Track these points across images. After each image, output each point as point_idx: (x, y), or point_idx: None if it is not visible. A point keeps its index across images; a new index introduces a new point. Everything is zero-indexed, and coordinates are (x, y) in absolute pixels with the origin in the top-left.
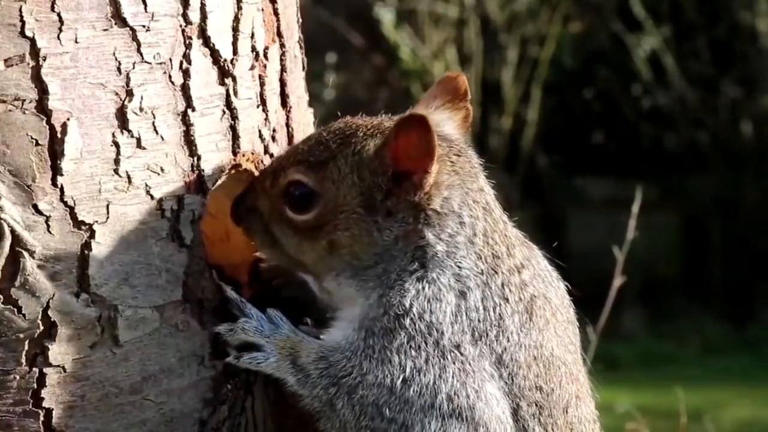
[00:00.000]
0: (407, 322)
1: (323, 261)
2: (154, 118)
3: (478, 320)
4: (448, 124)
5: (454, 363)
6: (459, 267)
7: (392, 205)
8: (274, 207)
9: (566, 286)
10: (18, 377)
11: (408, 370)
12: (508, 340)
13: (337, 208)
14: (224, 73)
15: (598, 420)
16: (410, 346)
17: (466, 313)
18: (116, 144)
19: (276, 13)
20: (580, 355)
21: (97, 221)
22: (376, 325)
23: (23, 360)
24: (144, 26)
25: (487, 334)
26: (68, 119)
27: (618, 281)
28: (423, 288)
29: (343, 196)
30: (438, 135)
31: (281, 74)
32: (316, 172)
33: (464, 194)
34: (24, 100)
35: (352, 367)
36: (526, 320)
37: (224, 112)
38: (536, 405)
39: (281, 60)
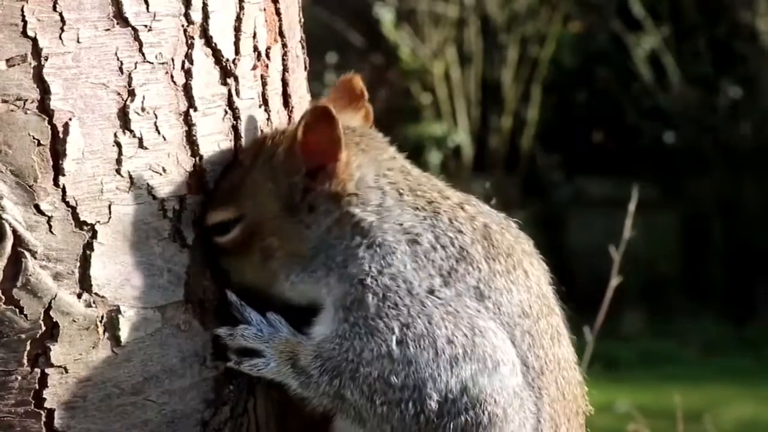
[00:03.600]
0: (369, 281)
1: (264, 271)
2: (156, 118)
3: (441, 259)
4: (352, 121)
5: (436, 308)
6: (400, 224)
7: (312, 200)
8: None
9: (517, 222)
10: (20, 378)
11: (397, 330)
12: (480, 270)
13: (260, 218)
14: (226, 73)
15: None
16: (387, 306)
17: (425, 256)
18: (118, 144)
19: (278, 12)
20: (552, 289)
21: (98, 221)
22: (347, 300)
23: (25, 360)
24: (146, 26)
25: (455, 270)
26: (70, 119)
27: (615, 281)
28: (375, 251)
29: (263, 205)
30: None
31: (283, 74)
32: (233, 196)
33: (377, 167)
34: (26, 100)
35: (346, 352)
36: (489, 246)
37: (226, 112)
38: (529, 335)
39: (283, 60)
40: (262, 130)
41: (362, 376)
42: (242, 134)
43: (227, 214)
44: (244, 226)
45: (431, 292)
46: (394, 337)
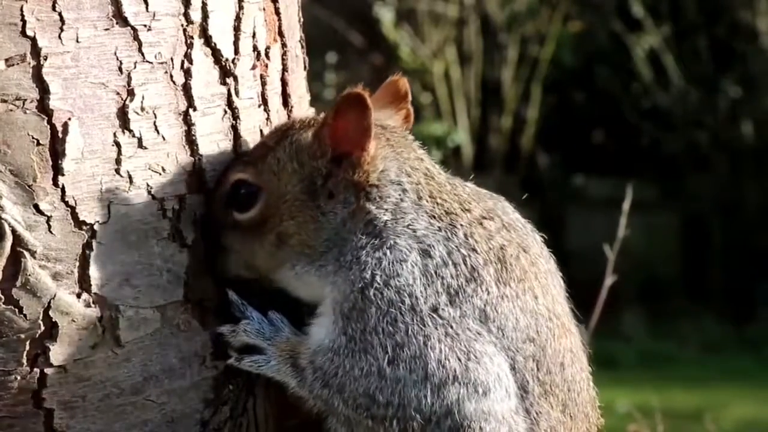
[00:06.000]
0: (372, 292)
1: (275, 257)
2: (156, 117)
3: (451, 276)
4: (390, 120)
5: (436, 329)
6: (413, 230)
7: (333, 187)
8: (222, 217)
9: (542, 237)
10: (19, 378)
11: (390, 349)
12: (488, 293)
13: (279, 198)
14: (226, 73)
15: (591, 378)
16: (386, 322)
17: (436, 272)
18: (117, 144)
19: (277, 12)
20: (570, 308)
21: (98, 221)
22: (345, 307)
23: (24, 360)
24: (145, 26)
25: (464, 290)
26: (69, 119)
27: (610, 280)
28: (384, 254)
29: (284, 185)
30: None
31: (283, 74)
32: (255, 166)
33: (401, 164)
34: (25, 100)
35: (336, 368)
36: (502, 269)
37: (226, 111)
38: (533, 359)
39: (283, 59)
40: (261, 130)
41: (349, 390)
42: (241, 134)
43: (247, 174)
44: (265, 204)
45: (435, 310)
46: (386, 357)
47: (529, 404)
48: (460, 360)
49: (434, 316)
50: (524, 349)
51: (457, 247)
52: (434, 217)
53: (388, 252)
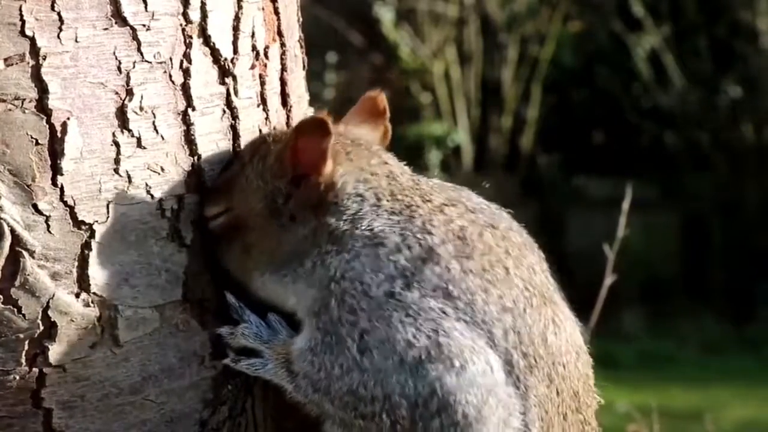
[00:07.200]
0: (332, 286)
1: (243, 263)
2: (155, 117)
3: (405, 260)
4: (367, 137)
5: (396, 311)
6: (371, 229)
7: (293, 206)
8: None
9: (509, 212)
10: (18, 377)
11: (357, 338)
12: (448, 271)
13: (245, 212)
14: (225, 73)
15: (585, 352)
16: (346, 311)
17: (388, 258)
18: (116, 143)
19: (276, 12)
20: (553, 281)
21: (97, 221)
22: (316, 306)
23: (23, 360)
24: (144, 25)
25: (420, 271)
26: (68, 118)
27: (609, 280)
28: (343, 256)
29: (250, 200)
30: (338, 133)
31: (282, 73)
32: (226, 191)
33: (359, 174)
34: (24, 99)
35: (319, 369)
36: (463, 246)
37: (225, 111)
38: (513, 331)
39: (282, 59)
40: (260, 130)
41: (334, 390)
42: (240, 133)
43: (219, 208)
44: (230, 216)
45: (391, 295)
46: (355, 346)
47: (516, 378)
48: (429, 338)
49: (391, 300)
50: (503, 321)
51: (413, 233)
52: (394, 213)
53: (345, 254)
